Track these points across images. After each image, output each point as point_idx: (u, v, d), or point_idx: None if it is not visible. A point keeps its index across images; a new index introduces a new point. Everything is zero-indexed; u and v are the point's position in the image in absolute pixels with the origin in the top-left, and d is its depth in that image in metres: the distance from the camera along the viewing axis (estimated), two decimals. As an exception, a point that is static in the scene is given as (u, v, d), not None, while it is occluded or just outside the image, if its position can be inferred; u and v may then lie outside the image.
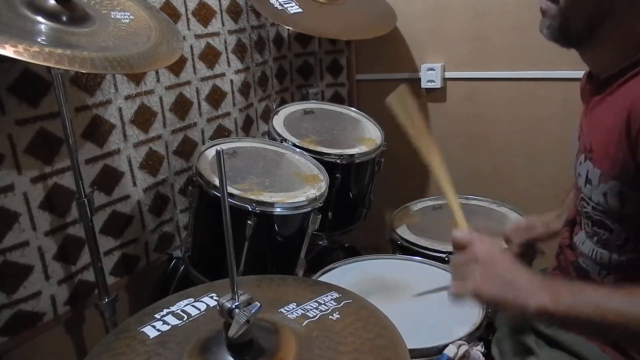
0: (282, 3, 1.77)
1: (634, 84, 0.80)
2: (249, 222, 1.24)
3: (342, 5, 1.93)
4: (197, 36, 1.68)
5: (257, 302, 0.69)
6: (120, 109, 1.45)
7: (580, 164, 0.93)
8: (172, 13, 1.57)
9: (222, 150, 0.64)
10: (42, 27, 1.00)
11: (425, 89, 2.09)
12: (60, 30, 1.02)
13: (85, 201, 1.20)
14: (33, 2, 1.01)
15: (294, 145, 1.56)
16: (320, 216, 1.35)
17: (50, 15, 1.02)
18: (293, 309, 0.80)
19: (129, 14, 1.18)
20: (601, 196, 0.85)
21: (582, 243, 0.94)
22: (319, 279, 1.21)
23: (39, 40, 0.95)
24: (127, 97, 1.46)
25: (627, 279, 0.86)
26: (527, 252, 1.18)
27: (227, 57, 1.81)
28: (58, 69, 1.10)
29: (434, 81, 2.05)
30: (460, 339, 0.96)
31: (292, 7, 1.78)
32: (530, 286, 0.75)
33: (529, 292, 0.74)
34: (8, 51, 0.85)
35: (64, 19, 1.03)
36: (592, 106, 0.91)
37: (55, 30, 1.01)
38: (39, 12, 1.01)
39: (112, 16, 1.15)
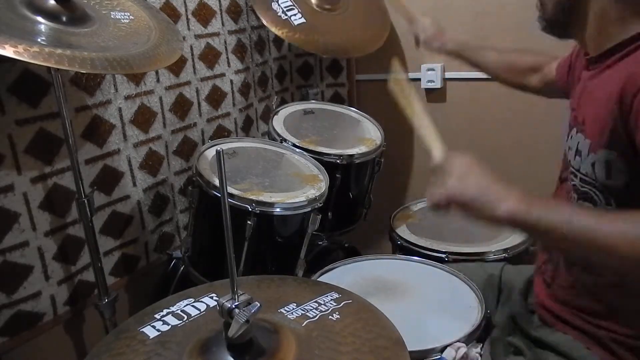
0: (285, 11, 1.76)
1: (629, 61, 0.82)
2: (248, 222, 1.24)
3: (342, 12, 1.92)
4: (197, 36, 1.68)
5: (257, 302, 0.69)
6: (120, 109, 1.45)
7: (571, 137, 0.94)
8: (172, 13, 1.57)
9: (222, 150, 0.64)
10: (42, 27, 1.00)
11: (425, 89, 2.09)
12: (60, 30, 1.02)
13: (85, 201, 1.20)
14: (33, 2, 1.01)
15: (294, 145, 1.56)
16: (320, 216, 1.35)
17: (50, 15, 1.02)
18: (293, 309, 0.80)
19: (128, 14, 1.18)
20: (589, 166, 0.86)
21: None
22: (319, 279, 1.21)
23: (39, 40, 0.95)
24: (127, 97, 1.46)
25: None
26: None
27: (227, 57, 1.81)
28: (58, 69, 1.10)
29: (434, 81, 2.05)
30: (458, 340, 0.96)
31: (295, 16, 1.77)
32: (503, 193, 0.76)
33: (501, 197, 0.75)
34: (8, 51, 0.85)
35: (64, 19, 1.03)
36: (586, 80, 0.92)
37: (55, 31, 1.01)
38: (39, 12, 1.01)
39: (112, 16, 1.15)
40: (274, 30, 1.71)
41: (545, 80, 1.26)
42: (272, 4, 1.76)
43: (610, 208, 0.84)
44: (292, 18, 1.76)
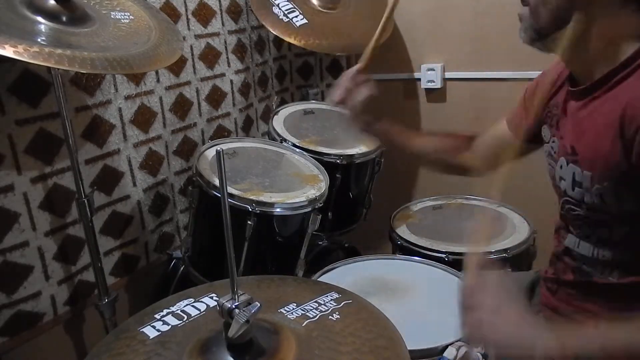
0: (286, 13, 1.76)
1: (624, 88, 0.81)
2: (249, 222, 1.24)
3: (342, 11, 1.92)
4: (197, 36, 1.68)
5: (257, 302, 0.69)
6: (120, 109, 1.45)
7: (561, 167, 0.93)
8: (172, 13, 1.57)
9: (222, 150, 0.64)
10: (42, 27, 1.00)
11: (425, 89, 2.09)
12: (60, 30, 1.02)
13: (85, 201, 1.20)
14: (33, 2, 1.01)
15: (294, 145, 1.56)
16: (320, 216, 1.35)
17: (50, 15, 1.02)
18: (293, 309, 0.80)
19: (128, 14, 1.18)
20: (597, 197, 0.85)
21: (577, 246, 0.94)
22: (319, 279, 1.21)
23: (39, 40, 0.95)
24: (127, 97, 1.46)
25: (631, 274, 0.86)
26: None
27: (227, 57, 1.81)
28: (58, 69, 1.10)
29: (434, 81, 2.05)
30: (459, 340, 0.96)
31: (297, 18, 1.76)
32: (535, 335, 0.76)
33: (535, 341, 0.75)
34: (8, 51, 0.85)
35: (64, 19, 1.04)
36: (576, 110, 0.91)
37: (55, 31, 1.01)
38: (39, 12, 1.01)
39: (112, 16, 1.15)
40: (290, 39, 1.72)
41: (502, 138, 1.17)
42: (273, 8, 1.76)
43: (630, 231, 0.84)
44: (294, 20, 1.76)
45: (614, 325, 0.76)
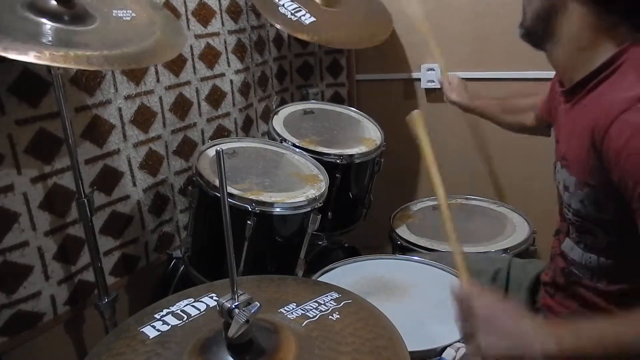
0: (293, 13, 1.75)
1: (599, 94, 0.81)
2: (248, 222, 1.24)
3: (343, 7, 1.93)
4: (197, 36, 1.68)
5: (257, 302, 0.69)
6: (120, 109, 1.45)
7: (557, 171, 0.93)
8: (172, 13, 1.57)
9: (222, 150, 0.64)
10: (48, 28, 1.01)
11: (425, 89, 2.09)
12: (64, 30, 1.02)
13: (85, 201, 1.20)
14: (35, 4, 1.02)
15: (294, 145, 1.56)
16: (320, 216, 1.35)
17: (54, 16, 1.02)
18: (293, 309, 0.80)
19: (130, 11, 1.18)
20: (579, 203, 0.86)
21: (570, 250, 0.94)
22: (319, 279, 1.21)
23: (47, 42, 0.96)
24: (127, 97, 1.46)
25: (618, 281, 0.86)
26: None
27: (227, 57, 1.81)
28: (59, 69, 1.10)
29: (434, 81, 2.05)
30: (459, 341, 0.96)
31: (304, 16, 1.76)
32: (532, 334, 0.76)
33: (533, 340, 0.75)
34: (29, 57, 0.87)
35: (66, 18, 1.04)
36: (564, 113, 0.92)
37: (61, 31, 1.01)
38: (43, 14, 1.01)
39: (114, 14, 1.15)
40: (303, 37, 1.74)
41: (538, 118, 1.29)
42: (279, 8, 1.75)
43: (612, 239, 0.84)
44: (302, 18, 1.76)
45: (609, 321, 0.76)
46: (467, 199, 1.83)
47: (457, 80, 1.62)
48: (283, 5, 1.76)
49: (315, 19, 1.77)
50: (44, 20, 1.01)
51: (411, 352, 0.72)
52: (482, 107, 1.52)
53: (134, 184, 1.51)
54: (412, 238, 1.57)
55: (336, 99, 2.25)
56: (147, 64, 1.44)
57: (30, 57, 0.88)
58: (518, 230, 1.58)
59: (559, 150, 0.93)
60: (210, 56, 1.74)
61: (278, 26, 1.74)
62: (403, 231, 1.62)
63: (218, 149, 0.64)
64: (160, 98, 1.57)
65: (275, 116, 1.70)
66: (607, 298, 0.89)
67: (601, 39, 0.82)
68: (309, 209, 1.32)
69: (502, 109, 1.46)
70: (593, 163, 0.80)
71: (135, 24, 1.15)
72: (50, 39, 0.98)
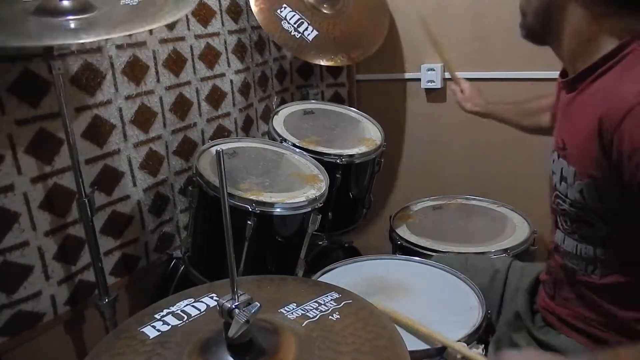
0: (296, 28, 1.75)
1: (603, 83, 0.82)
2: (248, 222, 1.24)
3: (344, 11, 1.92)
4: (197, 36, 1.68)
5: (257, 302, 0.69)
6: (120, 109, 1.45)
7: (553, 161, 0.93)
8: (172, 13, 1.57)
9: (222, 150, 0.64)
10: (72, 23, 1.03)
11: (425, 89, 2.09)
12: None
13: (86, 201, 1.20)
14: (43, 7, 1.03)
15: (294, 145, 1.56)
16: (320, 216, 1.35)
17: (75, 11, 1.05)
18: (293, 309, 0.80)
19: None
20: (578, 193, 0.85)
21: (562, 241, 0.94)
22: (319, 279, 1.21)
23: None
24: (127, 97, 1.46)
25: (613, 273, 0.86)
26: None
27: (227, 58, 1.81)
28: (59, 69, 1.10)
29: (434, 81, 2.05)
30: (459, 341, 0.96)
31: (307, 31, 1.76)
32: None
33: None
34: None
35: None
36: (565, 104, 0.92)
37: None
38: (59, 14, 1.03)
39: (121, 3, 1.14)
40: (307, 58, 1.77)
41: (553, 118, 1.26)
42: (282, 23, 1.74)
43: (611, 229, 0.84)
44: (305, 34, 1.75)
45: (631, 352, 0.76)
46: (467, 199, 1.83)
47: (469, 87, 1.59)
48: (285, 18, 1.75)
49: (317, 33, 1.77)
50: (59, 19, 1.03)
51: (411, 352, 0.72)
52: (500, 112, 1.51)
53: (134, 184, 1.51)
54: (412, 238, 1.57)
55: (336, 99, 2.25)
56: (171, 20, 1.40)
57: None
58: (518, 231, 1.58)
59: (556, 140, 0.93)
60: (210, 56, 1.74)
61: (285, 49, 1.75)
62: (403, 231, 1.62)
63: (218, 149, 0.64)
64: (161, 98, 1.57)
65: (276, 116, 1.70)
66: (603, 292, 0.89)
67: (604, 30, 0.82)
68: (309, 209, 1.32)
69: (519, 112, 1.45)
70: (596, 153, 0.79)
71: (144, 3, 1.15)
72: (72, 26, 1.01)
